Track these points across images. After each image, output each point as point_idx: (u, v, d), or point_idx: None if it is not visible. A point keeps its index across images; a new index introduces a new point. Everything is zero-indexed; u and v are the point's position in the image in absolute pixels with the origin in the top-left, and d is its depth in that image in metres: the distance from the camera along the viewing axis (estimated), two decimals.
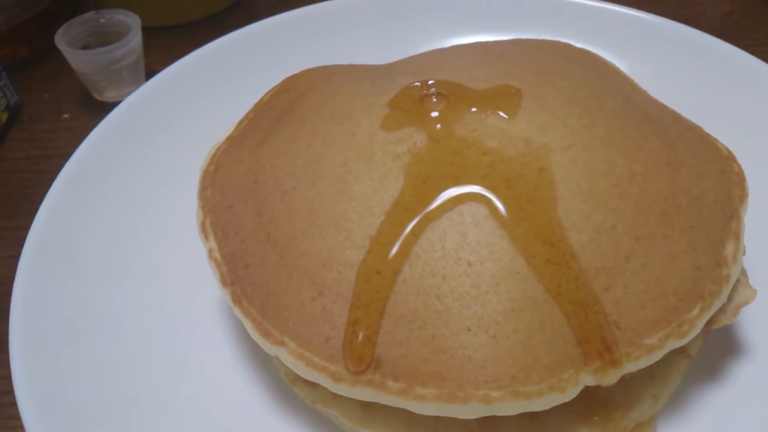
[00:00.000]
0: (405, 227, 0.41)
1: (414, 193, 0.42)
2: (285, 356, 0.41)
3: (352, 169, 0.44)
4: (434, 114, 0.45)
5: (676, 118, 0.51)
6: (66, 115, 0.78)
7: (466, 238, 0.40)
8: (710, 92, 0.67)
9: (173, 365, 0.50)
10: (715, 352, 0.49)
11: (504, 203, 0.41)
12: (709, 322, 0.43)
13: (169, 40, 0.87)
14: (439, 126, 0.44)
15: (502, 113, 0.45)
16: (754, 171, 0.52)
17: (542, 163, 0.42)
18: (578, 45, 0.59)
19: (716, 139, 0.50)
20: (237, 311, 0.43)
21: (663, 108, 0.52)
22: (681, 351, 0.46)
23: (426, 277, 0.40)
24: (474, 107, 0.45)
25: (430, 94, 0.47)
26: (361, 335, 0.40)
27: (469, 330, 0.39)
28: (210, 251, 0.46)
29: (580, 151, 0.43)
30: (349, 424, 0.45)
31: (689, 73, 0.69)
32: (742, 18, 0.87)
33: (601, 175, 0.43)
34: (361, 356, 0.39)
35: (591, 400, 0.44)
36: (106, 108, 0.66)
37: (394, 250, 0.41)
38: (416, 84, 0.48)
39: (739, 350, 0.49)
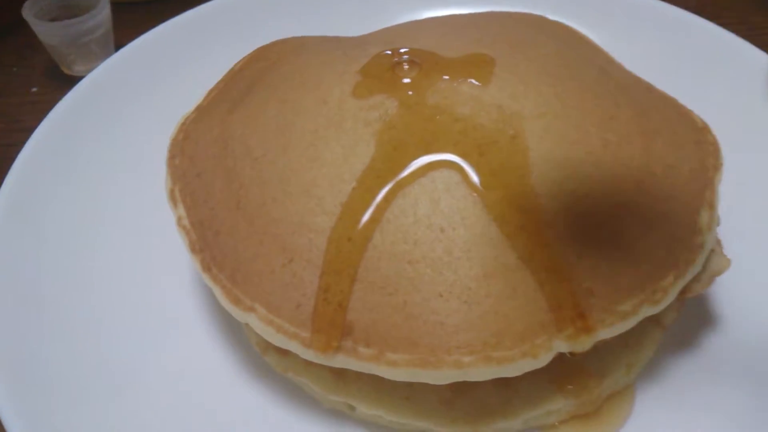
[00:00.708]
0: (376, 194, 0.41)
1: (385, 160, 0.41)
2: (255, 322, 0.40)
3: (322, 136, 0.43)
4: (406, 81, 0.45)
5: (650, 90, 0.51)
6: (34, 89, 0.77)
7: (439, 204, 0.40)
8: (686, 66, 0.67)
9: (143, 335, 0.49)
10: (690, 322, 0.49)
11: (477, 170, 0.41)
12: (684, 291, 0.43)
13: (140, 16, 0.86)
14: (411, 93, 0.44)
15: (474, 81, 0.44)
16: (730, 142, 0.52)
17: (515, 131, 0.42)
18: (553, 18, 0.58)
19: (691, 111, 0.50)
20: (206, 278, 0.43)
21: (637, 80, 0.52)
22: (655, 321, 0.46)
23: (397, 243, 0.39)
24: (447, 75, 0.45)
25: (402, 62, 0.46)
26: (332, 301, 0.39)
27: (441, 295, 0.38)
28: (179, 219, 0.45)
29: (553, 119, 0.43)
30: (320, 391, 0.44)
31: (665, 47, 0.69)
32: None
33: (575, 143, 0.42)
34: (333, 322, 0.39)
35: (565, 369, 0.44)
36: (74, 82, 0.65)
37: (366, 216, 0.40)
38: (387, 52, 0.47)
39: (713, 321, 0.50)
